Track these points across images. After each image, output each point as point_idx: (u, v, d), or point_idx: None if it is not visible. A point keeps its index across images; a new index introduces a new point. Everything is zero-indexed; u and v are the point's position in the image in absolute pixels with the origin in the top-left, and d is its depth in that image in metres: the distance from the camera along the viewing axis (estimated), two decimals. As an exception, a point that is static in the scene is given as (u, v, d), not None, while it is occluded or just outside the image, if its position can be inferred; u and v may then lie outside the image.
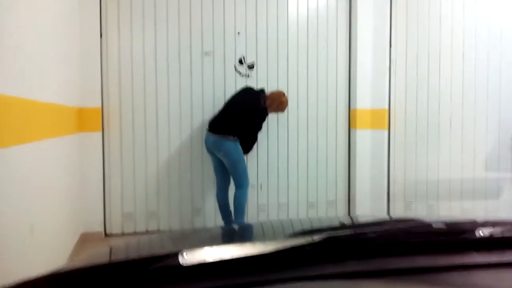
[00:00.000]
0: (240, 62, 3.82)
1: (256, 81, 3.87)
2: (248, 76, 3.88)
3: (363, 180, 4.09)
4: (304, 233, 0.88)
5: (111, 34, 3.62)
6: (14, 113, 1.86)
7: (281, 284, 0.60)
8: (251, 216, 3.90)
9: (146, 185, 3.75)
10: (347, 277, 0.63)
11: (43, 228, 2.29)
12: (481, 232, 0.67)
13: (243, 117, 3.40)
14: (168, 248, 0.97)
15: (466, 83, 3.93)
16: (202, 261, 0.63)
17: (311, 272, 0.63)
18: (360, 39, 4.03)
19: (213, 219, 3.84)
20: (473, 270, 0.62)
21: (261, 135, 3.75)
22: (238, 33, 3.84)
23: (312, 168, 4.11)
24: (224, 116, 3.44)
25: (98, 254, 0.90)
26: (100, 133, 3.57)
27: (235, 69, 3.83)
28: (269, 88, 3.79)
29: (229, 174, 3.50)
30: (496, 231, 0.67)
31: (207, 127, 3.51)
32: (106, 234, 3.64)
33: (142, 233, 3.72)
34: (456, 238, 0.68)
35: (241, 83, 3.81)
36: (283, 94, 3.61)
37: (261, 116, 3.52)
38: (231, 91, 3.69)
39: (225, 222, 3.55)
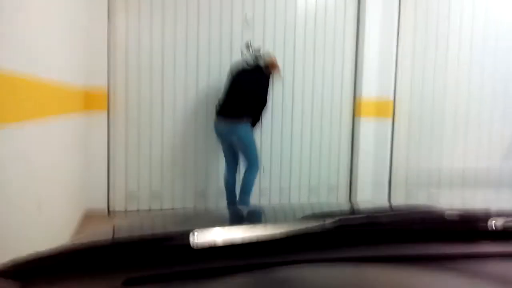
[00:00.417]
0: (247, 47, 3.78)
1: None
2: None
3: (365, 167, 4.11)
4: (316, 216, 0.88)
5: (119, 15, 3.59)
6: (20, 89, 1.85)
7: (294, 267, 0.60)
8: (253, 199, 3.93)
9: (150, 165, 3.76)
10: (359, 261, 0.63)
11: (49, 205, 2.31)
12: (495, 222, 0.67)
13: (253, 98, 3.38)
14: (178, 228, 0.97)
15: (472, 76, 3.90)
16: (213, 243, 0.62)
17: (324, 255, 0.64)
18: (367, 30, 4.00)
19: (216, 202, 3.86)
20: (486, 259, 0.63)
21: (266, 120, 3.76)
22: (246, 14, 3.80)
23: (315, 153, 4.12)
24: (234, 100, 3.39)
25: (102, 233, 0.89)
26: (106, 112, 3.57)
27: (241, 54, 3.80)
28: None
29: (238, 158, 3.52)
30: (510, 221, 0.67)
31: (216, 112, 3.47)
32: (109, 212, 3.68)
33: (145, 212, 3.76)
34: (470, 226, 0.69)
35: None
36: (275, 57, 3.58)
37: (268, 88, 3.47)
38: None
39: (230, 205, 3.56)
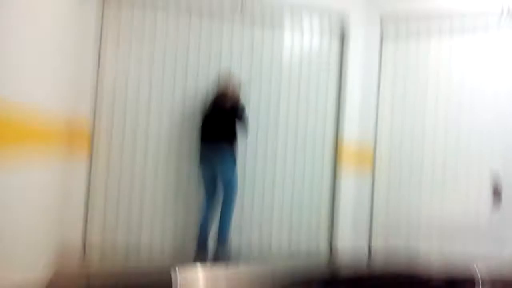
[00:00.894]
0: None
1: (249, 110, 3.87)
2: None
3: (345, 214, 4.19)
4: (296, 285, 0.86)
5: (110, 50, 3.67)
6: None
7: None
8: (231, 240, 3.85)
9: (129, 215, 3.72)
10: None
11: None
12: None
13: (233, 124, 3.62)
14: None
15: (449, 128, 3.99)
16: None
17: None
18: (349, 82, 4.23)
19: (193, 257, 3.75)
20: None
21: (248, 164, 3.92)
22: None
23: (296, 203, 4.16)
24: (217, 126, 3.58)
25: None
26: (88, 160, 3.56)
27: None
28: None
29: (218, 194, 3.62)
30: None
31: (201, 138, 3.63)
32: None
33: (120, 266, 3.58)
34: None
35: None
36: (229, 82, 3.72)
37: (243, 110, 3.68)
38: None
39: (200, 248, 3.57)
